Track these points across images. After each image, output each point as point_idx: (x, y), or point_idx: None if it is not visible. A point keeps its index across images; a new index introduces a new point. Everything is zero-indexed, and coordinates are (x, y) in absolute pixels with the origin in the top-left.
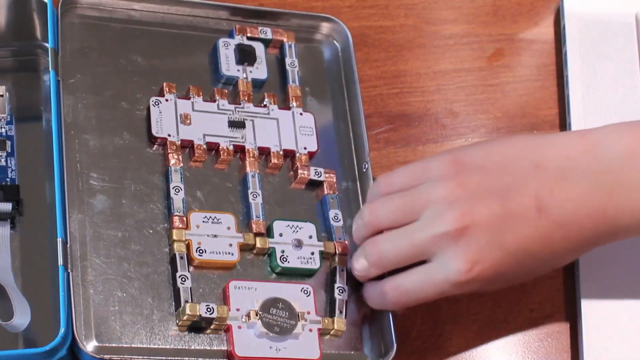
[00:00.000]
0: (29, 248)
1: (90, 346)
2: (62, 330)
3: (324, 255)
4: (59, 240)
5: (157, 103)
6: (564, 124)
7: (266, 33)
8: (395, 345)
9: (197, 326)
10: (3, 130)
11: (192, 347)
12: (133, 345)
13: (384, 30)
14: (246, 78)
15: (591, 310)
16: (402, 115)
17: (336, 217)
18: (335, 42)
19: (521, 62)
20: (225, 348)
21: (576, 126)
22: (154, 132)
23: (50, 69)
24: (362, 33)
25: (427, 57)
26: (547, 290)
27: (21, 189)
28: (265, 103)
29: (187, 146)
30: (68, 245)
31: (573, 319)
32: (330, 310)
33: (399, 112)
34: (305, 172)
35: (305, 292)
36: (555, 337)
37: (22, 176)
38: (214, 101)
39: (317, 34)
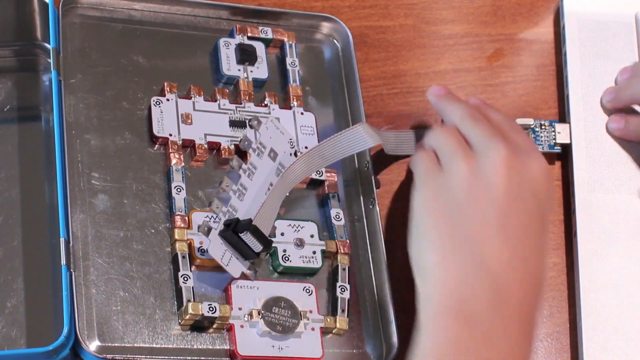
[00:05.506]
0: (30, 248)
1: (93, 346)
2: (65, 329)
3: (325, 254)
4: (62, 240)
5: (158, 103)
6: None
7: (267, 33)
8: (397, 344)
9: (200, 325)
10: None
11: (195, 347)
12: (135, 345)
13: (383, 30)
14: (247, 78)
15: (591, 310)
16: (402, 115)
17: (337, 216)
18: (335, 41)
19: (521, 62)
20: (228, 347)
21: (576, 126)
22: (155, 131)
23: (52, 69)
24: (362, 33)
25: (427, 57)
26: (547, 290)
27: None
28: (266, 102)
29: (188, 146)
30: (71, 245)
31: (573, 319)
32: (332, 309)
33: (399, 112)
34: None
35: (307, 291)
36: (555, 337)
37: (22, 176)
38: (215, 101)
39: (318, 33)
